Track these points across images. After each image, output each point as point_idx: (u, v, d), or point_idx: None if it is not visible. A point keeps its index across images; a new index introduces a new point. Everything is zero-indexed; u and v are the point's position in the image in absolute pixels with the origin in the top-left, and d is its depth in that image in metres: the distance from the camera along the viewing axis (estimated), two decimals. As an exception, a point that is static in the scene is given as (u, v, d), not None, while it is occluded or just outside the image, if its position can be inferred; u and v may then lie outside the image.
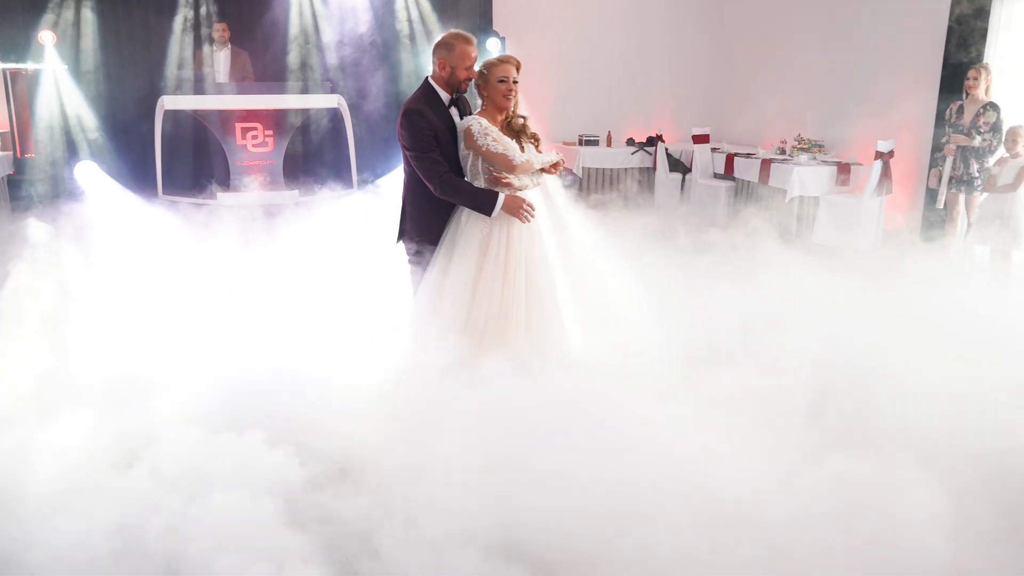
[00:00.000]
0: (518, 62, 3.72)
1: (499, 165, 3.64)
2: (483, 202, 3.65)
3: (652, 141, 9.58)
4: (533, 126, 3.89)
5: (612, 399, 3.21)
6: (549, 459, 2.67)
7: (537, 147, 3.84)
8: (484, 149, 3.62)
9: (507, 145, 3.65)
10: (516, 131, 3.76)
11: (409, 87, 8.77)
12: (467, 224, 3.73)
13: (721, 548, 2.52)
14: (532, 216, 3.71)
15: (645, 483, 2.63)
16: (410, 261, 3.89)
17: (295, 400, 3.33)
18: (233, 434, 3.07)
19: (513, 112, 3.76)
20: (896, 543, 2.64)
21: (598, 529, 2.47)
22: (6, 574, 2.53)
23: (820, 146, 8.34)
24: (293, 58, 8.86)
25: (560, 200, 5.22)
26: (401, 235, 3.93)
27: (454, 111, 3.79)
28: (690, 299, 5.02)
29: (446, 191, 3.67)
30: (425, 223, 3.79)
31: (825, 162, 7.94)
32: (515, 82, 3.67)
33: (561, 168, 3.88)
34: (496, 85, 3.66)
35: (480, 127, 3.61)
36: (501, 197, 3.64)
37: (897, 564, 2.58)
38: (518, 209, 3.66)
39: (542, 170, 3.80)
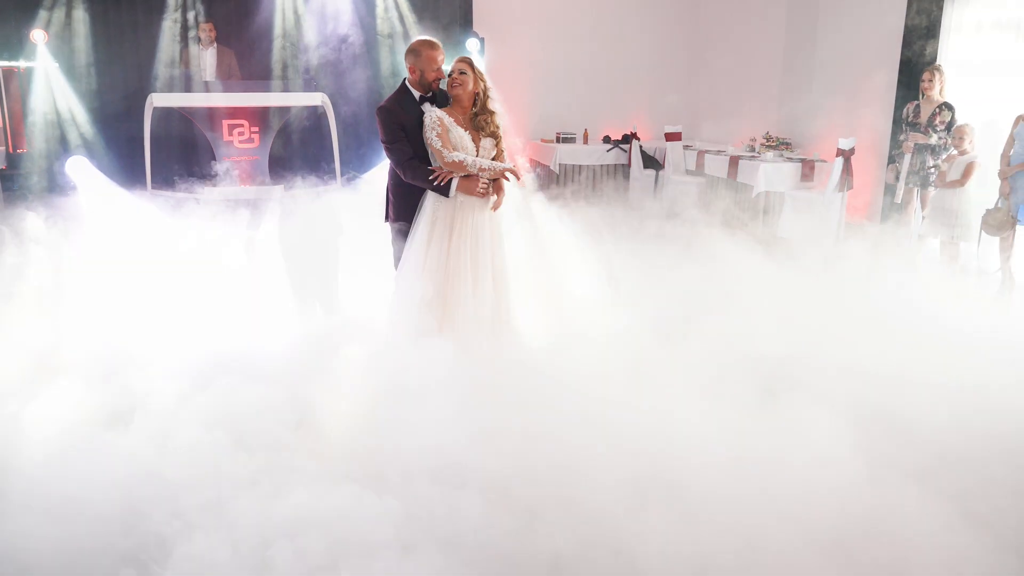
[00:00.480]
0: (467, 59, 4.08)
1: (436, 157, 4.01)
2: (440, 185, 4.01)
3: (627, 139, 9.83)
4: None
5: (559, 372, 3.52)
6: (492, 416, 2.96)
7: (498, 145, 4.16)
8: (428, 141, 3.99)
9: (449, 140, 3.99)
10: (478, 128, 4.09)
11: (389, 86, 9.04)
12: (423, 208, 4.11)
13: (641, 501, 2.79)
14: (485, 191, 4.04)
15: (578, 441, 2.91)
16: (393, 239, 4.31)
17: (269, 361, 3.65)
18: (208, 384, 3.38)
19: (481, 108, 4.07)
20: (820, 507, 2.87)
21: (529, 472, 2.76)
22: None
23: (787, 144, 8.64)
24: (277, 57, 9.11)
25: (529, 193, 5.51)
26: (387, 216, 4.34)
27: (430, 106, 4.12)
28: (655, 285, 5.34)
29: (408, 174, 4.07)
30: (406, 205, 4.19)
31: (791, 159, 8.24)
32: (462, 74, 4.02)
33: (520, 180, 4.16)
34: (448, 79, 4.06)
35: (430, 120, 4.00)
36: (455, 180, 4.00)
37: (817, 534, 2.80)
38: (473, 189, 4.02)
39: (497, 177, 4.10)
